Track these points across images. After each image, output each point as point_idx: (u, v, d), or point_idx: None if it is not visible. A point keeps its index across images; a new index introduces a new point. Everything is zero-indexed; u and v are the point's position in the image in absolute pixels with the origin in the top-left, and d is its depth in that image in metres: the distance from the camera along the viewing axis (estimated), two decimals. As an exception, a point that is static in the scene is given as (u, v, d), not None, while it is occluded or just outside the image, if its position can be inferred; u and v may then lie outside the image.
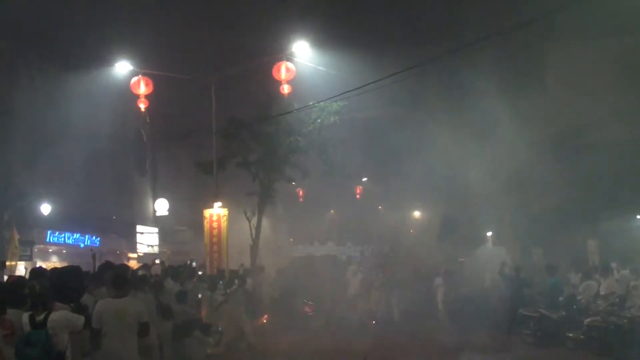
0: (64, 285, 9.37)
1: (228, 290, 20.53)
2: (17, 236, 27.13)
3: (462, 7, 31.15)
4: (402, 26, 34.20)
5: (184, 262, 23.12)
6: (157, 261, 23.52)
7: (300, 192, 45.07)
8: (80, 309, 9.24)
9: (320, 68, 27.55)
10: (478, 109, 31.01)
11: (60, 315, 8.67)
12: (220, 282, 21.23)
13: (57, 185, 31.55)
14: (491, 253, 34.01)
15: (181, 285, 17.04)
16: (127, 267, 15.64)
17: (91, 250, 20.18)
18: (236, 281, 21.59)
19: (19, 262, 27.79)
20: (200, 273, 22.76)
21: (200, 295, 18.09)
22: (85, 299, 10.54)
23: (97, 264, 14.84)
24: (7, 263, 25.30)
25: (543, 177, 30.33)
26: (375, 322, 26.61)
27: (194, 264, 21.73)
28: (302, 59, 27.83)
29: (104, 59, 30.13)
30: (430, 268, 29.59)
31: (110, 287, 10.49)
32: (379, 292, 28.32)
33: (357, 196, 48.45)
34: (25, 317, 8.94)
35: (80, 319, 8.83)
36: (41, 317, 8.73)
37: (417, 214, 50.08)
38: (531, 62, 31.11)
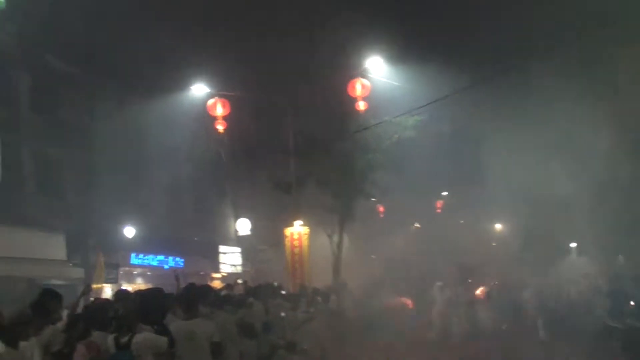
0: (147, 307, 9.49)
1: (312, 309, 20.53)
2: (102, 259, 27.65)
3: (538, 16, 30.77)
4: (478, 37, 33.92)
5: (266, 281, 23.21)
6: (240, 281, 23.67)
7: (381, 208, 44.96)
8: (164, 330, 9.35)
9: (395, 83, 27.50)
10: (558, 117, 30.58)
11: (144, 337, 8.78)
12: (303, 300, 21.23)
13: (140, 208, 32.07)
14: (575, 264, 33.42)
15: (264, 305, 17.12)
16: (210, 287, 15.75)
17: (174, 271, 20.40)
18: (319, 299, 21.59)
19: (105, 285, 28.30)
20: (283, 292, 22.82)
21: (283, 314, 18.13)
22: (170, 319, 10.67)
23: (181, 285, 15.01)
24: (94, 286, 25.77)
25: (627, 185, 29.72)
26: (465, 337, 26.17)
27: (275, 283, 21.77)
28: (377, 75, 27.82)
29: (180, 82, 30.58)
30: (515, 281, 29.16)
31: (180, 308, 10.62)
32: (465, 307, 27.93)
33: (438, 210, 48.19)
34: (110, 339, 9.10)
35: (163, 340, 8.94)
36: (125, 339, 8.86)
37: (498, 226, 49.53)
38: (612, 66, 30.55)
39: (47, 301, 9.39)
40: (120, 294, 12.07)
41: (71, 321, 9.51)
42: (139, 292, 11.77)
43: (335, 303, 24.16)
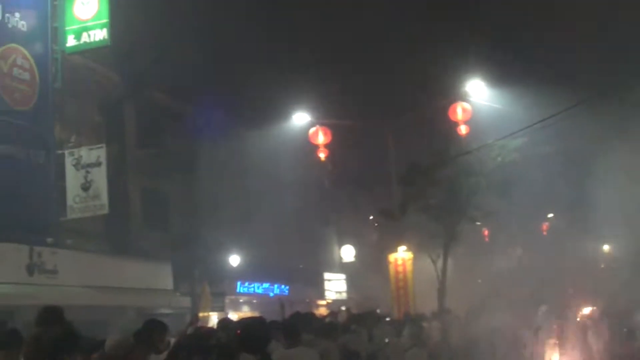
0: (249, 335, 9.56)
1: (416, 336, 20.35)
2: (208, 288, 28.05)
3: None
4: (581, 56, 33.39)
5: (370, 308, 23.15)
6: (343, 308, 23.69)
7: (485, 232, 44.44)
8: (266, 359, 9.39)
9: (496, 106, 27.26)
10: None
11: (248, 366, 8.84)
12: (407, 327, 21.08)
13: (245, 237, 32.44)
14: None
15: (368, 331, 17.07)
16: (313, 314, 15.81)
17: (279, 299, 20.55)
18: (425, 325, 21.41)
19: (211, 314, 28.67)
20: (387, 319, 22.71)
21: (387, 340, 18.04)
22: (274, 347, 10.71)
23: (286, 313, 15.11)
24: (201, 314, 26.14)
25: None
26: None
27: (378, 310, 21.69)
28: (478, 98, 27.65)
29: (282, 112, 30.94)
30: (626, 304, 28.27)
31: (282, 337, 10.66)
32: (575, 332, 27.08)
33: (544, 232, 47.39)
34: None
35: (267, 369, 8.99)
36: (230, 368, 8.93)
37: (606, 247, 48.30)
38: None
39: (151, 330, 9.55)
40: (223, 323, 12.20)
41: (173, 350, 9.63)
42: (241, 321, 11.88)
43: (439, 329, 23.90)
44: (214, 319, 28.60)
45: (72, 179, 22.93)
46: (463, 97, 27.39)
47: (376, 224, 35.41)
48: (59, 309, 8.24)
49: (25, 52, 22.79)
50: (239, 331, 9.99)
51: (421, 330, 21.04)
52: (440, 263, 30.10)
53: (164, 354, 9.71)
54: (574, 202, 36.88)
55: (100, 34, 23.39)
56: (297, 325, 11.29)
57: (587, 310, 28.21)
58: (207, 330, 12.48)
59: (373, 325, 18.11)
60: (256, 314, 30.27)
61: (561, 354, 26.03)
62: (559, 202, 39.70)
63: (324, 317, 18.59)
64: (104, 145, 23.65)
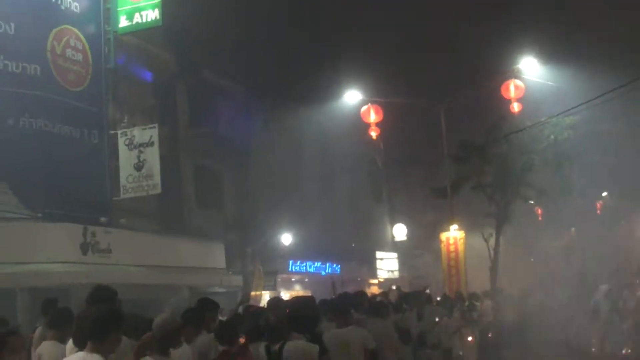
0: (299, 315, 9.56)
1: (468, 315, 20.31)
2: (261, 267, 28.21)
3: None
4: (637, 32, 32.79)
5: (421, 287, 23.12)
6: (394, 287, 23.65)
7: (539, 210, 44.04)
8: (315, 339, 9.38)
9: (550, 83, 26.95)
10: None
11: (294, 345, 8.81)
12: (459, 306, 21.03)
13: (297, 216, 32.53)
14: None
15: (418, 311, 17.05)
16: (364, 293, 15.81)
17: (331, 278, 20.61)
18: (476, 304, 21.37)
19: (263, 292, 28.84)
20: (438, 298, 22.68)
21: (437, 319, 18.02)
22: (325, 327, 10.72)
23: (337, 291, 15.13)
24: (253, 293, 26.32)
25: None
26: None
27: (427, 290, 21.61)
28: (531, 75, 27.35)
29: (334, 90, 30.90)
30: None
31: (331, 317, 10.67)
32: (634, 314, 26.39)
33: (598, 211, 46.79)
34: (262, 347, 9.22)
35: (315, 348, 8.94)
36: (276, 347, 8.94)
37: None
38: None
39: (203, 310, 9.63)
40: (272, 302, 12.23)
41: (222, 328, 9.69)
42: (290, 301, 11.91)
43: (491, 308, 23.81)
44: (266, 297, 28.81)
45: (125, 158, 23.15)
46: (516, 75, 27.12)
47: (428, 203, 35.17)
48: (110, 288, 8.32)
49: (79, 33, 23.02)
50: (288, 310, 10.02)
51: (474, 309, 21.05)
52: (492, 242, 29.90)
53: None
54: (628, 181, 36.38)
55: (152, 14, 23.53)
56: (347, 304, 11.30)
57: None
58: (257, 309, 12.54)
59: (423, 304, 18.11)
60: (308, 292, 30.49)
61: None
62: (613, 181, 39.21)
63: (376, 295, 18.61)
64: (156, 125, 23.84)
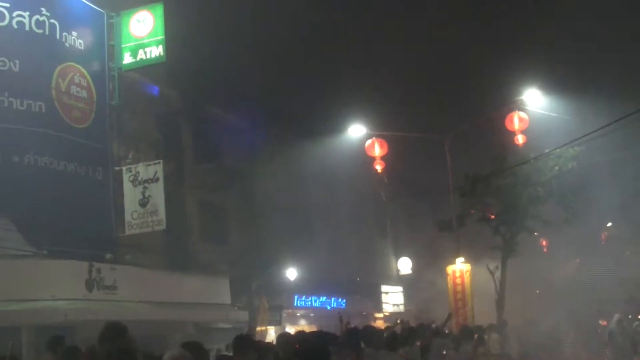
0: (309, 350, 9.49)
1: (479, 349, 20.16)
2: (266, 302, 28.11)
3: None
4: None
5: (426, 321, 22.99)
6: (399, 320, 23.52)
7: (544, 242, 43.93)
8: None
9: (553, 114, 26.97)
10: None
11: (305, 381, 8.76)
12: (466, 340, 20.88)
13: (302, 251, 32.47)
14: None
15: (424, 344, 16.96)
16: (373, 328, 15.71)
17: (338, 313, 20.48)
18: (477, 337, 21.20)
19: (269, 327, 28.71)
20: (447, 331, 22.53)
21: (444, 352, 17.90)
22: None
23: (345, 326, 15.05)
24: (258, 328, 26.21)
25: None
26: None
27: (433, 325, 21.45)
28: (534, 107, 27.39)
29: (338, 124, 30.95)
30: None
31: (343, 351, 10.60)
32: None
33: (603, 242, 46.65)
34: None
35: (326, 385, 8.90)
36: (287, 383, 8.89)
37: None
38: None
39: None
40: (281, 338, 12.16)
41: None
42: (299, 336, 11.84)
43: (497, 342, 23.65)
44: (271, 333, 28.68)
45: (130, 194, 23.21)
46: (519, 106, 27.15)
47: (434, 236, 35.10)
48: (121, 325, 8.26)
49: (83, 70, 23.15)
50: (297, 346, 9.95)
51: (482, 343, 20.89)
52: (498, 274, 29.77)
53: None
54: (633, 210, 36.31)
55: (156, 51, 23.73)
56: (359, 339, 11.24)
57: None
58: (265, 345, 12.47)
59: (430, 337, 18.01)
60: (314, 327, 30.34)
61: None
62: (618, 211, 39.12)
63: (382, 330, 18.52)
64: (161, 161, 23.90)
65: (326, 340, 10.91)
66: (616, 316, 26.66)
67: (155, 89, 27.30)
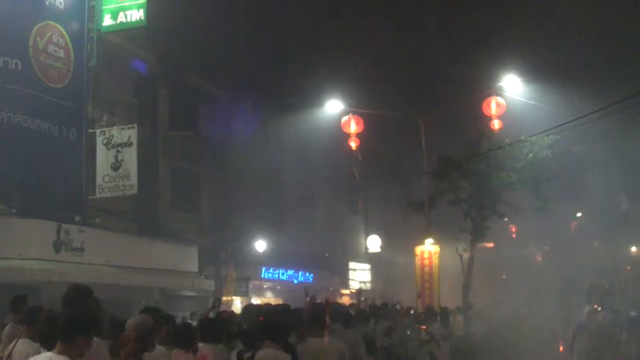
0: (272, 323, 9.49)
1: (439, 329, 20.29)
2: (233, 273, 28.13)
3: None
4: (617, 54, 33.03)
5: (390, 301, 23.08)
6: (362, 299, 23.66)
7: (513, 228, 44.24)
8: (288, 348, 9.31)
9: (531, 102, 27.05)
10: None
11: (266, 354, 8.72)
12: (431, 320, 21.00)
13: (272, 223, 32.45)
14: None
15: (389, 324, 17.06)
16: (339, 304, 15.76)
17: (305, 287, 20.51)
18: (438, 319, 21.31)
19: (234, 298, 28.75)
20: (412, 312, 22.62)
21: (409, 332, 18.02)
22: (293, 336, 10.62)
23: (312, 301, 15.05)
24: (224, 298, 26.23)
25: None
26: None
27: (397, 305, 21.52)
28: (513, 94, 27.45)
29: (315, 99, 30.88)
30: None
31: (310, 326, 10.58)
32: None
33: (572, 232, 47.03)
34: (234, 354, 9.14)
35: (287, 357, 8.89)
36: (248, 354, 8.86)
37: (634, 249, 48.02)
38: None
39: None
40: (247, 309, 12.17)
41: (193, 333, 9.60)
42: (265, 308, 11.84)
43: (461, 324, 23.82)
44: (237, 303, 28.72)
45: (103, 157, 23.07)
46: (497, 92, 27.20)
47: (405, 216, 35.17)
48: (85, 287, 8.20)
49: (62, 29, 22.91)
50: (262, 318, 9.96)
51: (447, 324, 21.03)
52: (466, 257, 29.93)
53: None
54: (603, 202, 36.67)
55: (136, 14, 23.50)
56: (325, 314, 11.25)
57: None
58: (229, 314, 12.48)
59: (394, 318, 18.13)
60: (280, 300, 30.42)
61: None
62: (588, 202, 39.46)
63: (348, 307, 18.59)
64: (135, 125, 23.77)
65: (290, 314, 10.93)
66: (587, 307, 26.33)
67: (140, 65, 27.11)
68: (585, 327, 24.29)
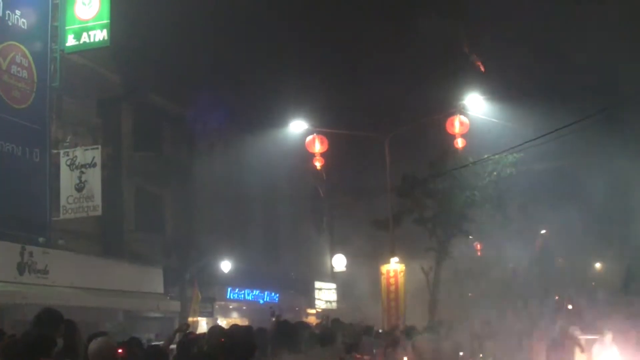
0: (234, 344, 9.45)
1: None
2: (199, 293, 28.00)
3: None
4: (580, 74, 33.37)
5: (357, 320, 23.08)
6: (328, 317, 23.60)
7: (478, 246, 44.40)
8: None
9: (494, 120, 27.28)
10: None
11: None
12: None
13: (237, 244, 32.38)
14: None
15: (353, 342, 17.04)
16: (304, 324, 15.73)
17: (270, 307, 20.47)
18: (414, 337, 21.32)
19: (200, 319, 28.60)
20: (380, 330, 22.65)
21: (374, 351, 18.02)
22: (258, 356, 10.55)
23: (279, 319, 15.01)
24: (190, 319, 26.09)
25: None
26: None
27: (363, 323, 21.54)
28: (476, 112, 27.65)
29: (279, 119, 30.94)
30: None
31: (276, 346, 10.58)
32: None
33: (537, 248, 47.32)
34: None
35: (247, 379, 8.83)
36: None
37: (598, 265, 48.41)
38: None
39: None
40: (212, 331, 12.09)
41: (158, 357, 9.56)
42: (227, 330, 11.80)
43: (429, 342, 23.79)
44: (203, 324, 28.56)
45: (66, 178, 22.89)
46: (461, 111, 27.40)
47: (370, 235, 35.27)
48: (56, 312, 8.13)
49: (25, 50, 22.73)
50: (222, 339, 9.94)
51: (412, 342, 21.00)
52: (432, 276, 30.06)
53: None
54: (567, 219, 36.87)
55: (100, 35, 23.37)
56: (292, 334, 11.23)
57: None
58: (195, 337, 12.41)
59: (360, 336, 18.13)
60: (245, 321, 30.29)
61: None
62: (552, 219, 39.69)
63: (313, 325, 18.59)
64: (99, 146, 23.64)
65: (252, 334, 10.91)
66: (559, 323, 26.36)
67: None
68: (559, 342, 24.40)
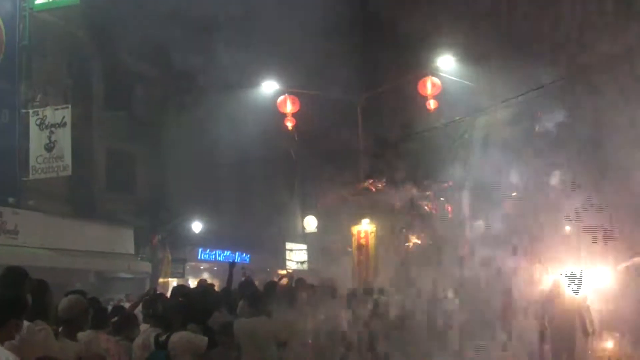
0: (191, 305, 9.44)
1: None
2: (169, 254, 28.00)
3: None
4: (553, 34, 33.34)
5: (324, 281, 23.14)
6: (285, 279, 23.65)
7: (449, 208, 44.61)
8: (207, 330, 9.21)
9: (466, 82, 27.29)
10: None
11: (180, 337, 8.64)
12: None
13: (208, 204, 32.33)
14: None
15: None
16: (275, 284, 15.76)
17: (242, 268, 20.48)
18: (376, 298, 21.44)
19: (171, 280, 28.63)
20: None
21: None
22: (218, 316, 10.52)
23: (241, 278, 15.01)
24: (161, 280, 26.12)
25: None
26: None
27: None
28: (448, 73, 27.64)
29: (251, 79, 30.76)
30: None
31: (246, 305, 10.60)
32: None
33: (507, 210, 47.53)
34: (152, 337, 9.03)
35: (202, 340, 8.74)
36: (163, 337, 8.77)
37: (568, 229, 48.95)
38: None
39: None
40: (174, 291, 12.05)
41: (124, 318, 9.59)
42: (184, 290, 11.78)
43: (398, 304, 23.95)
44: (174, 285, 28.58)
45: (36, 138, 22.74)
46: (433, 72, 27.37)
47: (341, 196, 35.29)
48: (21, 270, 8.07)
49: (-7, 8, 22.48)
50: (180, 299, 9.94)
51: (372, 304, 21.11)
52: (403, 237, 30.14)
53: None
54: (538, 181, 37.04)
55: (70, -8, 23.14)
56: (260, 295, 11.27)
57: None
58: (160, 294, 12.44)
59: (328, 298, 18.21)
60: (217, 281, 30.34)
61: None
62: (524, 181, 39.89)
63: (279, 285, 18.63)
64: (69, 105, 23.47)
65: (211, 296, 10.92)
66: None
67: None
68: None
